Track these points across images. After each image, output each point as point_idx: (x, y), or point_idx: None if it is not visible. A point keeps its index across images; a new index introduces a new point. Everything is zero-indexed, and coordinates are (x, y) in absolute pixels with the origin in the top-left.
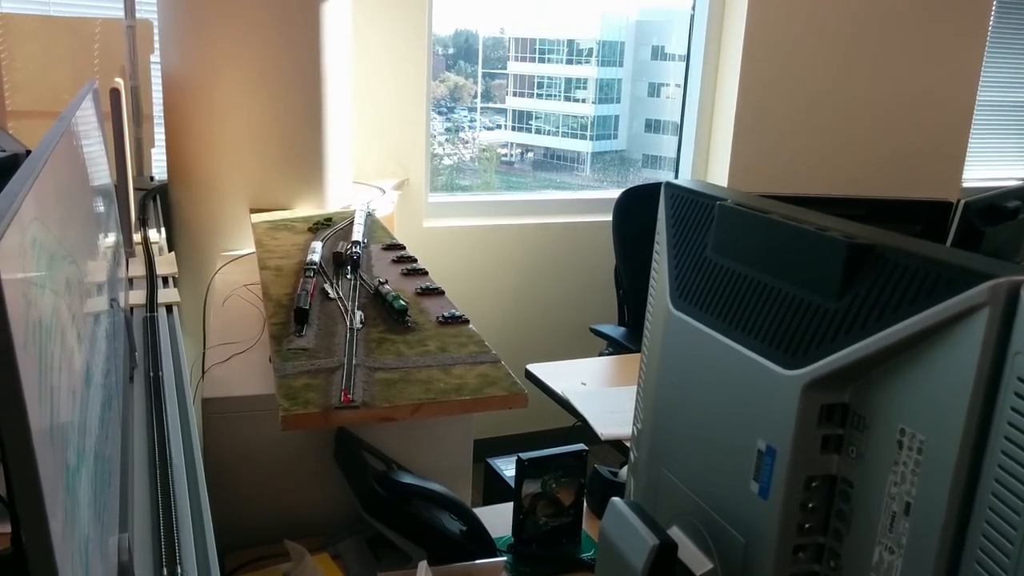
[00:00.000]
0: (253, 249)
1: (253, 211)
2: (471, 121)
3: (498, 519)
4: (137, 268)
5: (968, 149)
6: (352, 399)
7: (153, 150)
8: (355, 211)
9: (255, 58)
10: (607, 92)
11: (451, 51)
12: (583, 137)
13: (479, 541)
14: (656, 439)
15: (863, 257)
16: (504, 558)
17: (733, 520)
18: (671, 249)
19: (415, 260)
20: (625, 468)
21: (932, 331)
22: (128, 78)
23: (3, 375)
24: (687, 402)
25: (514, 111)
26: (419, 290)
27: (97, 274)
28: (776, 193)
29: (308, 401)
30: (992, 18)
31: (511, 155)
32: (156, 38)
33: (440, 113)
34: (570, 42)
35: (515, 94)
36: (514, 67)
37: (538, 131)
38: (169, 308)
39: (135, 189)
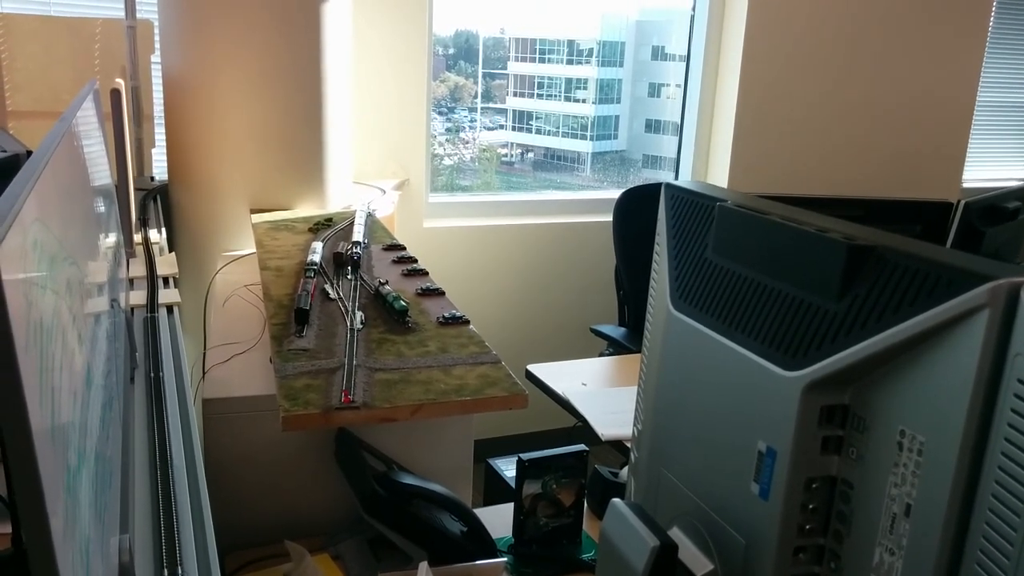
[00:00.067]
0: (254, 249)
1: (254, 211)
2: (471, 121)
3: (499, 520)
4: (138, 268)
5: (968, 150)
6: (352, 400)
7: (154, 150)
8: (355, 211)
9: (256, 58)
10: (607, 92)
11: (451, 51)
12: (583, 137)
13: (480, 542)
14: (657, 440)
15: (863, 258)
16: (504, 559)
17: (733, 521)
18: (671, 250)
19: (415, 260)
20: (626, 469)
21: (932, 332)
22: (129, 78)
23: (4, 376)
24: (687, 403)
25: (514, 111)
26: (419, 291)
27: (98, 275)
28: (776, 193)
29: (309, 402)
30: (992, 19)
31: (511, 155)
32: (157, 38)
33: (440, 113)
34: (570, 42)
35: (515, 94)
36: (514, 67)
37: (538, 131)
38: (170, 308)
39: (136, 189)
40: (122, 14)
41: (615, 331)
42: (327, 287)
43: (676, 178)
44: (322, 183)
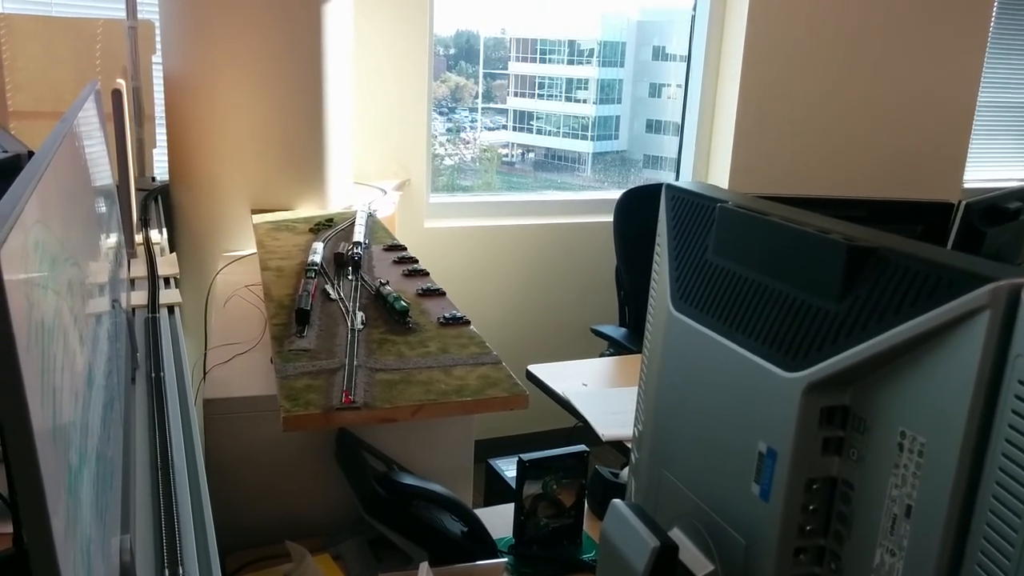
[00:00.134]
0: (254, 250)
1: (254, 212)
2: (472, 121)
3: (499, 520)
4: (139, 269)
5: (969, 150)
6: (353, 400)
7: (155, 151)
8: (356, 212)
9: (256, 59)
10: (608, 92)
11: (452, 51)
12: (584, 137)
13: (480, 542)
14: (657, 440)
15: (864, 259)
16: (505, 559)
17: (734, 522)
18: (672, 251)
19: (416, 261)
20: (626, 469)
21: (933, 334)
22: (130, 79)
23: (6, 376)
24: (688, 404)
25: (515, 111)
26: (420, 291)
27: (99, 275)
28: (777, 194)
29: (309, 402)
30: (993, 19)
31: (512, 155)
32: (158, 39)
33: (441, 113)
34: (571, 42)
35: (516, 94)
36: (515, 67)
37: (539, 131)
38: (171, 309)
39: (137, 190)
40: (123, 14)
41: (616, 331)
42: (328, 287)
43: (677, 178)
44: (323, 183)
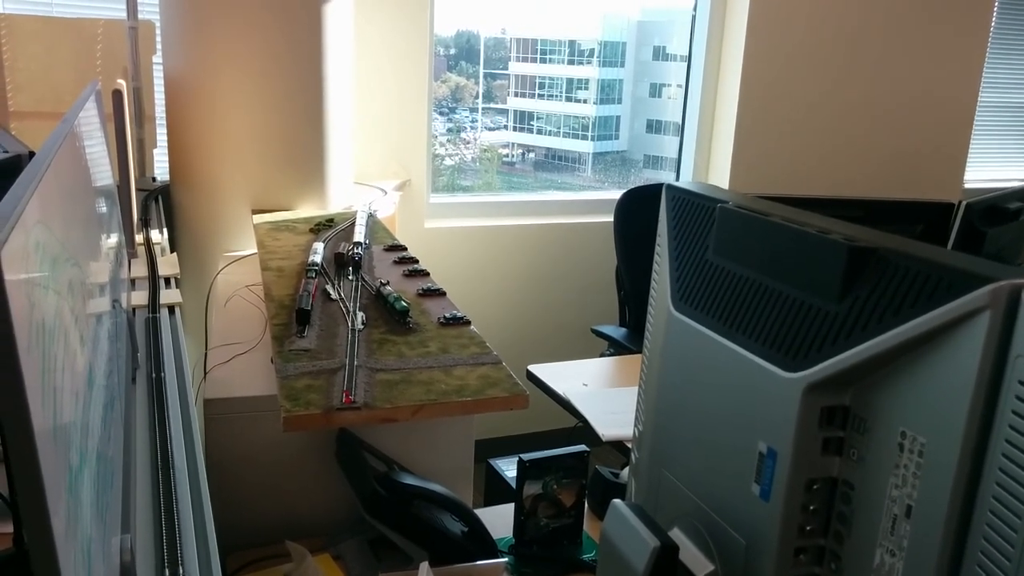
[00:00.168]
0: (255, 250)
1: (255, 212)
2: (472, 121)
3: (499, 520)
4: (139, 269)
5: (970, 150)
6: (354, 400)
7: (155, 151)
8: (357, 212)
9: (257, 59)
10: (608, 92)
11: (452, 51)
12: (584, 138)
13: (480, 542)
14: (657, 441)
15: (864, 260)
16: (505, 559)
17: (734, 522)
18: (672, 251)
19: (416, 261)
20: (626, 469)
21: (933, 334)
22: (130, 79)
23: (7, 376)
24: (688, 404)
25: (515, 111)
26: (420, 291)
27: (99, 276)
28: (777, 194)
29: (310, 402)
30: (994, 18)
31: (512, 155)
32: (158, 39)
33: (442, 113)
34: (571, 42)
35: (516, 94)
36: (515, 67)
37: (539, 131)
38: (171, 309)
39: (137, 190)
40: (124, 15)
41: (616, 331)
42: (328, 288)
43: (677, 178)
44: (323, 184)
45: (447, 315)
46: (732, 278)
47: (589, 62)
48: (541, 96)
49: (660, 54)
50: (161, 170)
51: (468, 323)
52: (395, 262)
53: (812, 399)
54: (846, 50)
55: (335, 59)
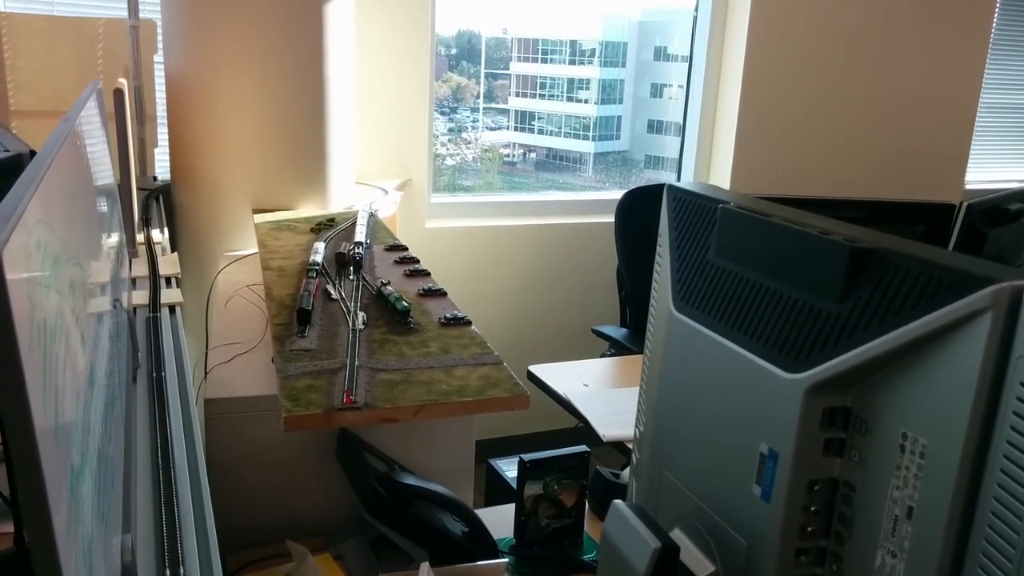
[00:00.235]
0: (256, 249)
1: (256, 211)
2: (474, 121)
3: (500, 520)
4: (140, 268)
5: (971, 151)
6: (354, 400)
7: (156, 150)
8: (358, 212)
9: (258, 58)
10: (610, 93)
11: (454, 51)
12: (585, 138)
13: (481, 542)
14: (658, 441)
15: (866, 261)
16: (506, 559)
17: (735, 523)
18: (673, 252)
19: (417, 261)
20: (627, 470)
21: (935, 335)
22: (131, 78)
23: (8, 376)
24: (689, 405)
25: (517, 111)
26: (421, 291)
27: (100, 275)
28: (778, 194)
29: (310, 402)
30: (995, 19)
31: (513, 155)
32: (159, 38)
33: (443, 113)
34: (573, 43)
35: (518, 94)
36: (517, 67)
37: (540, 131)
38: (172, 308)
39: (138, 189)
40: (125, 14)
41: (617, 332)
42: (329, 287)
43: (678, 179)
44: (324, 183)
45: (448, 315)
46: (733, 279)
47: (590, 62)
48: (542, 96)
49: (661, 54)
50: (162, 169)
51: (469, 323)
52: (396, 262)
53: (813, 400)
54: (847, 50)
55: (336, 59)
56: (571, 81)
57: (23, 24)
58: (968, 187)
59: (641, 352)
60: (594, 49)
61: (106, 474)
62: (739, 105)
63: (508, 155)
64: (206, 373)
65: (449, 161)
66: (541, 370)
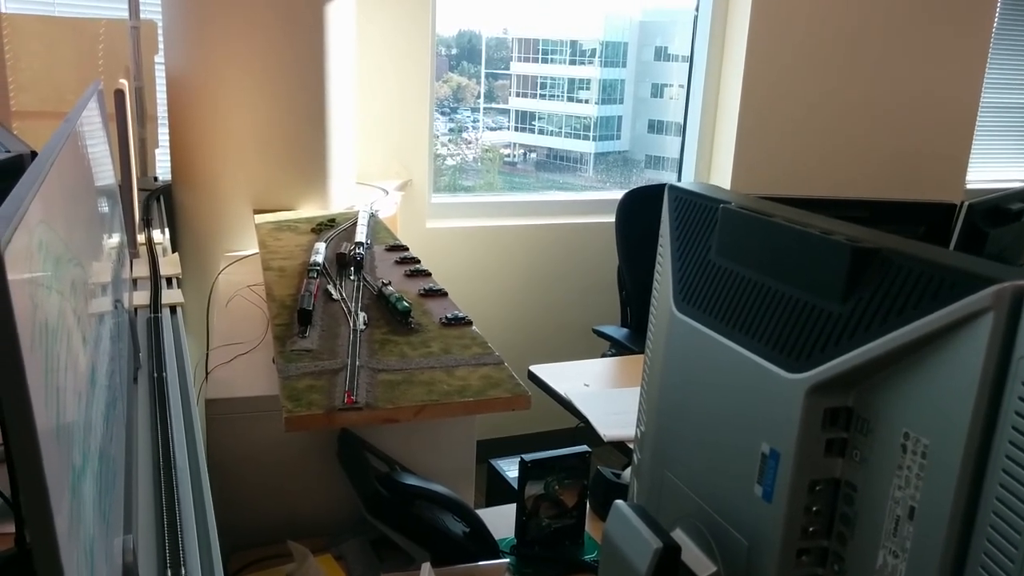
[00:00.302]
0: (257, 250)
1: (257, 212)
2: (474, 122)
3: (501, 520)
4: (141, 269)
5: (972, 150)
6: (355, 400)
7: (157, 150)
8: (358, 212)
9: (259, 58)
10: (610, 93)
11: (454, 51)
12: (586, 138)
13: (482, 542)
14: (659, 441)
15: (867, 261)
16: (507, 559)
17: (736, 523)
18: (674, 252)
19: (418, 261)
20: (628, 470)
21: (936, 335)
22: (132, 78)
23: (10, 376)
24: (690, 405)
25: (517, 112)
26: (422, 291)
27: (102, 275)
28: (779, 194)
29: (311, 402)
30: (996, 19)
31: (514, 156)
32: (160, 38)
33: (443, 114)
34: (573, 43)
35: (518, 95)
36: (517, 68)
37: (541, 132)
38: (173, 309)
39: (139, 189)
40: (126, 14)
41: (617, 332)
42: (330, 288)
43: (679, 179)
44: (325, 184)
45: (449, 315)
46: (734, 279)
47: (591, 62)
48: (543, 96)
49: (662, 54)
50: (163, 170)
51: (470, 323)
52: (397, 262)
53: (815, 400)
54: (848, 50)
55: (337, 59)
56: (572, 81)
57: (24, 25)
58: (969, 187)
59: (642, 352)
60: (595, 49)
61: (107, 474)
62: (740, 105)
63: (509, 155)
64: (207, 373)
65: (450, 161)
66: (542, 370)
